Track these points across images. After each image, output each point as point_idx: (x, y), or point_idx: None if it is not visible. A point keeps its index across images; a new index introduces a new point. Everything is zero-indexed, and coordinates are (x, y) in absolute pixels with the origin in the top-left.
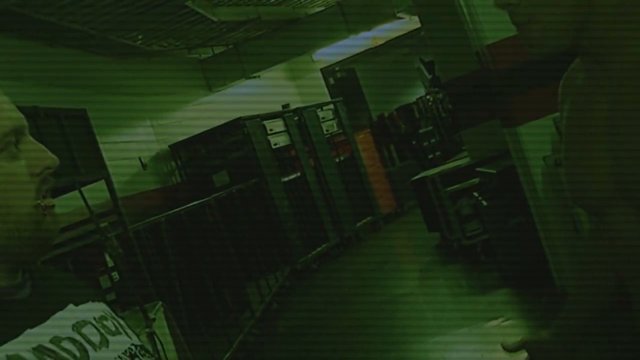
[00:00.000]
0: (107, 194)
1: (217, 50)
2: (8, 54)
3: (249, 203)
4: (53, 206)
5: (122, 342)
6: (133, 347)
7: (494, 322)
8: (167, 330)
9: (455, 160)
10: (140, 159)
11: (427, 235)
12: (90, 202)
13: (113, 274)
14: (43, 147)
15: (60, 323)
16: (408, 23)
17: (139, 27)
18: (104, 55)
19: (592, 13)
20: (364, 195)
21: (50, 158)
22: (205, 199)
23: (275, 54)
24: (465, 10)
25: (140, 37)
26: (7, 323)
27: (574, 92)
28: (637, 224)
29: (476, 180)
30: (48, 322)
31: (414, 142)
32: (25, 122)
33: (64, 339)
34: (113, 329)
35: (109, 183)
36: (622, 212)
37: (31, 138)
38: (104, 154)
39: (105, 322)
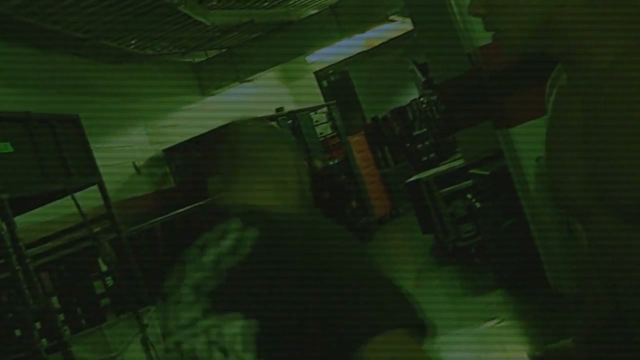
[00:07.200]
0: (100, 200)
1: (211, 53)
2: (0, 60)
3: None
4: None
5: None
6: None
7: (490, 323)
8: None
9: (449, 162)
10: (134, 163)
11: (422, 237)
12: (83, 208)
13: (107, 279)
14: None
15: None
16: (402, 25)
17: (132, 31)
18: (97, 60)
19: (558, 21)
20: (358, 197)
21: None
22: (199, 203)
23: (269, 57)
24: (456, 11)
25: (133, 41)
26: None
27: (556, 92)
28: (617, 232)
29: (470, 182)
30: None
31: (408, 145)
32: None
33: None
34: None
35: (102, 188)
36: (602, 219)
37: None
38: (97, 159)
39: None
